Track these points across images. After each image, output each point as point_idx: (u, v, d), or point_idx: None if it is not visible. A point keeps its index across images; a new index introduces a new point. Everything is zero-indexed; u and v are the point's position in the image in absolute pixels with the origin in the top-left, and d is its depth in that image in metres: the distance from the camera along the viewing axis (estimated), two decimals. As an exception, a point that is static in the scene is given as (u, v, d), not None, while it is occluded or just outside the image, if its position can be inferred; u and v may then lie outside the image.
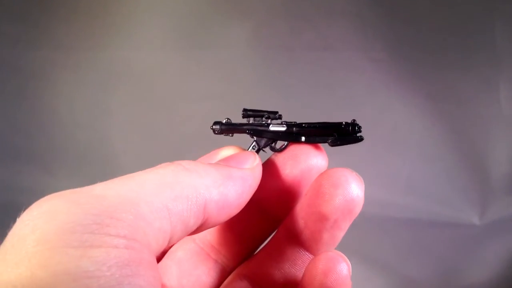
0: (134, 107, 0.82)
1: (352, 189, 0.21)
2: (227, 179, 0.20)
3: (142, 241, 0.15)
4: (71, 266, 0.13)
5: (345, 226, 0.22)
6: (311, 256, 0.23)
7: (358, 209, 0.22)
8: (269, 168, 0.24)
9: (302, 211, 0.23)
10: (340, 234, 0.22)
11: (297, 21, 0.75)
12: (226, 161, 0.22)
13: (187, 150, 0.81)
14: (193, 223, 0.18)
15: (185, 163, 0.19)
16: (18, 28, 0.78)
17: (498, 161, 0.76)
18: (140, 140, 0.83)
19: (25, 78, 0.81)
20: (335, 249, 0.23)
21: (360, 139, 0.24)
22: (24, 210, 0.16)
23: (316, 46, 0.76)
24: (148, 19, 0.78)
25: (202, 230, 0.19)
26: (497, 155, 0.76)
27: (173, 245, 0.18)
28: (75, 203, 0.15)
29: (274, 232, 0.25)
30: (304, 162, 0.24)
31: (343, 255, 0.21)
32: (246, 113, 0.26)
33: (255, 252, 0.26)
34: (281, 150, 0.25)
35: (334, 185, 0.21)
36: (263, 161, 0.24)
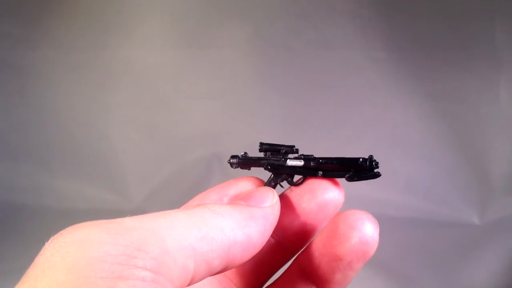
0: (134, 106, 0.82)
1: (367, 232, 0.22)
2: (250, 219, 0.20)
3: (166, 276, 0.15)
4: None
5: (358, 267, 0.22)
6: None
7: (372, 251, 0.22)
8: (286, 201, 0.25)
9: (317, 250, 0.23)
10: (353, 274, 0.23)
11: (297, 20, 0.75)
12: (246, 199, 0.22)
13: (186, 150, 0.81)
14: (217, 265, 0.18)
15: (210, 205, 0.20)
16: (18, 28, 0.79)
17: (498, 161, 0.76)
18: (139, 139, 0.83)
19: (25, 77, 0.81)
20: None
21: (378, 175, 0.24)
22: (53, 235, 0.16)
23: (316, 46, 0.76)
24: (148, 18, 0.79)
25: (225, 271, 0.20)
26: (497, 155, 0.76)
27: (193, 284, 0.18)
28: (105, 233, 0.16)
29: (288, 266, 0.26)
30: (321, 197, 0.24)
31: None
32: (263, 147, 0.26)
33: (267, 284, 0.26)
34: (298, 184, 0.25)
35: (350, 227, 0.22)
36: (280, 192, 0.25)
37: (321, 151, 0.26)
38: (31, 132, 0.83)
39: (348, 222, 0.22)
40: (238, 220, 0.20)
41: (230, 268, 0.20)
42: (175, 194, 0.79)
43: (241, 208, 0.20)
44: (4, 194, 0.81)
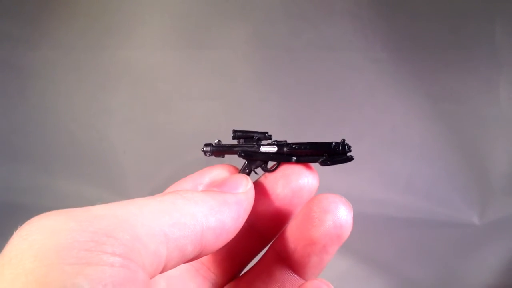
0: (134, 106, 0.82)
1: (341, 215, 0.22)
2: (223, 205, 0.20)
3: (137, 261, 0.15)
4: (67, 283, 0.13)
5: (332, 250, 0.22)
6: (299, 278, 0.24)
7: (346, 234, 0.22)
8: (260, 188, 0.25)
9: (292, 234, 0.23)
10: (328, 258, 0.23)
11: (297, 21, 0.75)
12: (219, 186, 0.22)
13: (187, 150, 0.81)
14: (191, 251, 0.18)
15: (182, 192, 0.20)
16: (18, 28, 0.79)
17: (498, 161, 0.76)
18: (140, 139, 0.83)
19: (25, 77, 0.81)
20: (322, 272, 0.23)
21: (350, 158, 0.24)
22: (21, 224, 0.16)
23: (316, 46, 0.76)
24: (148, 18, 0.79)
25: (200, 257, 0.20)
26: (497, 155, 0.76)
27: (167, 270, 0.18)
28: (73, 220, 0.15)
29: (264, 251, 0.26)
30: (295, 182, 0.24)
31: (328, 282, 0.21)
32: (236, 134, 0.26)
33: (244, 271, 0.26)
34: (272, 170, 0.25)
35: (324, 211, 0.22)
36: (254, 179, 0.25)
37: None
38: (31, 132, 0.83)
39: (321, 206, 0.22)
40: (211, 206, 0.19)
41: (205, 255, 0.20)
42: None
43: (214, 194, 0.20)
44: (4, 195, 0.81)
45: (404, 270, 0.65)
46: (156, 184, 0.81)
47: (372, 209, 0.75)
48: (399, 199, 0.77)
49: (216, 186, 0.22)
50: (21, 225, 0.16)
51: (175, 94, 0.81)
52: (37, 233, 0.15)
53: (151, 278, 0.17)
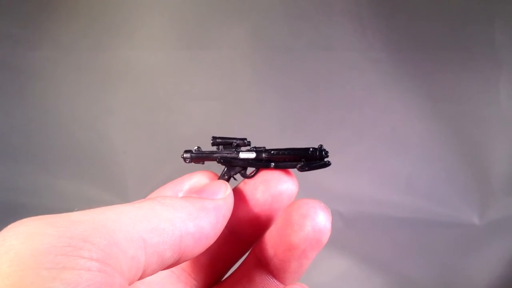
0: (134, 107, 0.82)
1: (320, 220, 0.22)
2: (201, 211, 0.20)
3: (114, 266, 0.15)
4: (44, 287, 0.14)
5: (312, 255, 0.23)
6: (279, 283, 0.24)
7: (325, 239, 0.22)
8: (240, 194, 0.25)
9: (271, 240, 0.24)
10: (308, 263, 0.23)
11: (297, 21, 0.75)
12: (198, 193, 0.22)
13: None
14: (169, 256, 0.18)
15: (161, 198, 0.20)
16: (18, 28, 0.79)
17: (498, 161, 0.76)
18: (140, 140, 0.83)
19: (26, 78, 0.81)
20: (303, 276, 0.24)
21: (328, 164, 0.24)
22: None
23: (316, 46, 0.76)
24: (148, 19, 0.79)
25: (179, 263, 0.20)
26: (497, 155, 0.76)
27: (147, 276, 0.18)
28: (50, 226, 0.15)
29: (244, 257, 0.26)
30: (275, 188, 0.24)
31: (306, 287, 0.21)
32: (215, 140, 0.27)
33: (225, 277, 0.26)
34: (251, 176, 0.25)
35: (303, 216, 0.22)
36: (234, 186, 0.25)
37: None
38: (32, 133, 0.83)
39: (300, 211, 0.22)
40: (189, 211, 0.20)
41: (184, 260, 0.20)
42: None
43: (192, 200, 0.21)
44: (4, 195, 0.81)
45: (404, 270, 0.65)
46: (156, 184, 0.80)
47: (372, 209, 0.75)
48: (399, 199, 0.77)
49: (195, 193, 0.22)
50: None
51: (175, 94, 0.81)
52: (13, 238, 0.15)
53: (130, 284, 0.17)
